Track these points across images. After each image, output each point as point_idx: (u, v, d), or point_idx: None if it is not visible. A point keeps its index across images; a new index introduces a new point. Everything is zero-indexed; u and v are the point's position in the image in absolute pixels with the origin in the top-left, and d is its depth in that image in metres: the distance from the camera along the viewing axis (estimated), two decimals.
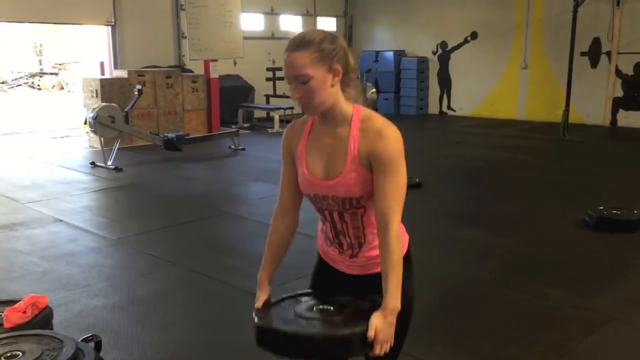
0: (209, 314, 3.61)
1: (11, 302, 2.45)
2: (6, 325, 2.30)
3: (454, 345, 3.22)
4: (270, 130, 10.86)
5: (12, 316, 2.31)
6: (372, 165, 1.76)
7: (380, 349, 1.68)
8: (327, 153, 1.84)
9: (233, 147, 9.04)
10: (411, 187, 6.43)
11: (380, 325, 1.68)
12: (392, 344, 1.71)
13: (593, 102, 11.22)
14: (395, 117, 13.09)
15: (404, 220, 1.79)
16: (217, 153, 8.97)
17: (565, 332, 3.34)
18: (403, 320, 1.87)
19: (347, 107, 1.81)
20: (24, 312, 2.34)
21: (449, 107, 13.45)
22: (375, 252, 1.87)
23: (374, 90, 13.15)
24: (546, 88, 11.72)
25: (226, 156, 8.85)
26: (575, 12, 9.70)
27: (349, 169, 1.79)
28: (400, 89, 13.53)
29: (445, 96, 13.46)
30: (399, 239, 1.75)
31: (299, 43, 1.74)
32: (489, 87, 12.63)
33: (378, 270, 1.82)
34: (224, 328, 3.43)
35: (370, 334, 1.67)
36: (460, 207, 5.93)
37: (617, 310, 3.59)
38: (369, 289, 1.87)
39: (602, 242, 4.81)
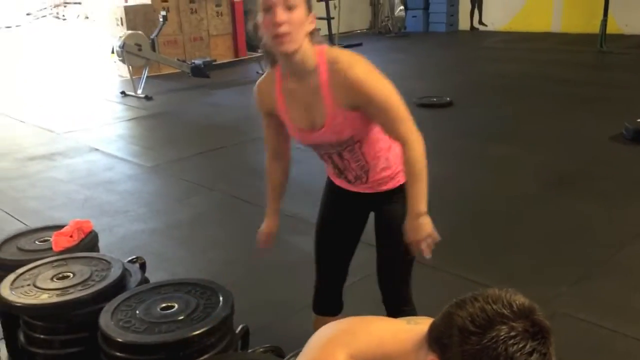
0: (247, 236, 3.70)
1: (57, 227, 2.56)
2: (55, 249, 2.41)
3: (482, 261, 3.27)
4: None
5: (60, 240, 2.41)
6: (362, 107, 1.74)
7: (422, 245, 1.74)
8: (305, 105, 1.80)
9: (261, 71, 8.95)
10: (442, 105, 6.51)
11: (409, 227, 1.75)
12: (435, 236, 1.76)
13: (632, 10, 10.69)
14: (424, 35, 12.73)
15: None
16: (245, 78, 8.90)
17: (597, 246, 3.35)
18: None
19: (311, 53, 1.72)
20: (71, 236, 2.44)
21: (480, 22, 12.97)
22: (384, 174, 1.93)
23: (402, 7, 12.76)
24: None
25: (254, 81, 8.51)
26: None
27: (331, 117, 1.77)
28: (429, 5, 13.06)
29: (476, 11, 12.97)
30: (422, 150, 1.74)
31: None
32: None
33: (387, 187, 1.94)
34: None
35: (406, 239, 1.76)
36: (492, 125, 5.84)
37: None
38: (378, 202, 1.98)
39: (638, 155, 4.73)
